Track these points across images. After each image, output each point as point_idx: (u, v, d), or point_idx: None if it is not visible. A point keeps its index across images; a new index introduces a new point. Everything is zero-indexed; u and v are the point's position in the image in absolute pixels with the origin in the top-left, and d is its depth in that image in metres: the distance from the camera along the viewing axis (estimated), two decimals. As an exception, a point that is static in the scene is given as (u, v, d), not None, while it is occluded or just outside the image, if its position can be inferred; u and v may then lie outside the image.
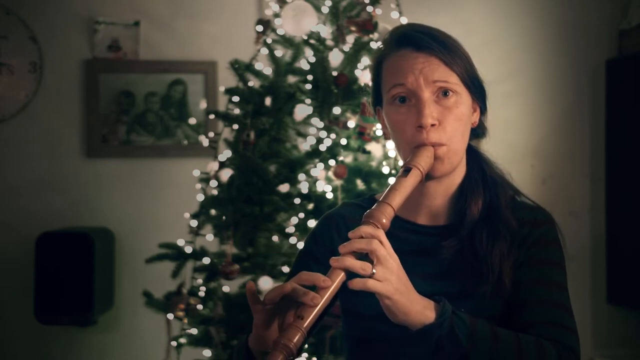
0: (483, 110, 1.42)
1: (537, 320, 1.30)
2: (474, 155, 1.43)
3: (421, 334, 1.21)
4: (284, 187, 2.65)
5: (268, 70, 2.82)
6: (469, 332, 1.21)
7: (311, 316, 1.16)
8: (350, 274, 1.19)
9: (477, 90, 1.38)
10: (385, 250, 1.19)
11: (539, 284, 1.33)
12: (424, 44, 1.32)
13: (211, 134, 2.91)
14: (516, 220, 1.36)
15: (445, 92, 1.32)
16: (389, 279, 1.19)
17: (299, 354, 1.39)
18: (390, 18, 2.89)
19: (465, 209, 1.37)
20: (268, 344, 1.20)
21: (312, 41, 2.77)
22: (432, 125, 1.31)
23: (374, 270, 1.18)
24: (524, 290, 1.33)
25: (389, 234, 1.26)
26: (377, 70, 1.40)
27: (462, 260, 1.34)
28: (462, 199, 1.38)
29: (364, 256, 1.20)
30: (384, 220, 1.23)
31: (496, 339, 1.23)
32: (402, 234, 1.39)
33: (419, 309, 1.21)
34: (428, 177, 1.33)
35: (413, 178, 1.29)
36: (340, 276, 1.18)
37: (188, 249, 2.78)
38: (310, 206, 2.61)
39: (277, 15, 2.80)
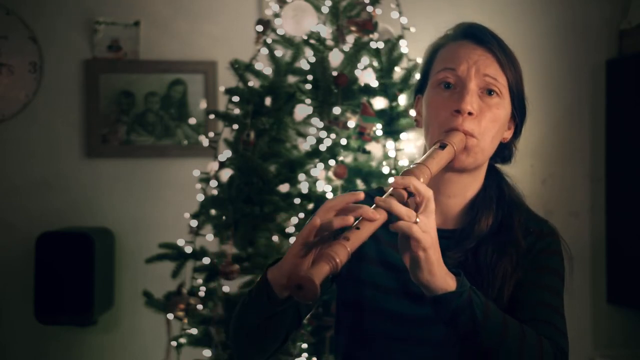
0: (517, 134, 1.44)
1: (530, 318, 1.30)
2: (495, 175, 1.44)
3: (440, 300, 1.19)
4: (284, 187, 2.65)
5: (268, 70, 2.82)
6: (484, 309, 1.20)
7: (357, 239, 1.12)
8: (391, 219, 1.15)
9: (518, 106, 1.40)
10: (432, 204, 1.17)
11: (536, 286, 1.34)
12: (486, 39, 1.35)
13: (211, 134, 2.91)
14: (524, 230, 1.37)
15: (490, 91, 1.34)
16: (430, 231, 1.16)
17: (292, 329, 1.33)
18: (390, 18, 2.89)
19: (474, 222, 1.36)
20: (298, 272, 1.12)
21: (312, 41, 2.77)
22: (470, 114, 1.31)
23: (417, 219, 1.15)
24: (521, 291, 1.33)
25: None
26: (430, 58, 1.41)
27: (464, 272, 1.33)
28: (474, 210, 1.38)
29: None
30: (422, 180, 1.20)
31: (505, 322, 1.22)
32: None
33: (443, 274, 1.18)
34: (448, 166, 1.32)
35: (447, 153, 1.28)
36: (383, 216, 1.15)
37: (188, 249, 2.78)
38: (310, 206, 2.61)
39: (277, 15, 2.80)
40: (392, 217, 1.15)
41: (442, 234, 1.36)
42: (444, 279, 1.18)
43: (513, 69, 1.37)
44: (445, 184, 1.37)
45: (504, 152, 1.44)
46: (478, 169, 1.39)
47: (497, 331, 1.21)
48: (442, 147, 1.28)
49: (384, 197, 1.17)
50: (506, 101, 1.36)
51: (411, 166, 1.23)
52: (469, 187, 1.39)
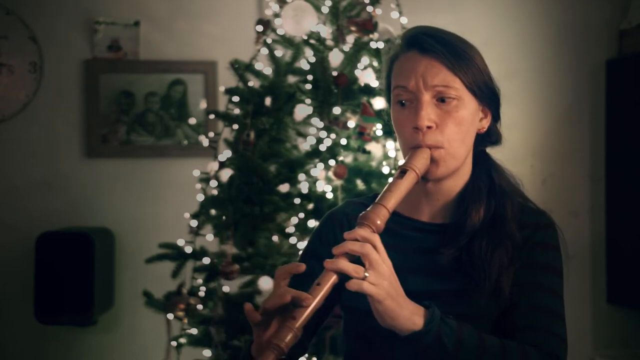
0: (496, 117, 1.42)
1: (525, 325, 1.31)
2: (484, 162, 1.43)
3: (409, 339, 1.22)
4: (284, 187, 2.65)
5: (268, 70, 2.82)
6: (456, 339, 1.23)
7: (303, 316, 1.18)
8: (344, 276, 1.20)
9: (486, 97, 1.37)
10: (377, 255, 1.20)
11: (533, 288, 1.34)
12: (428, 47, 1.33)
13: (211, 134, 2.91)
14: (519, 223, 1.36)
15: (442, 99, 1.33)
16: (381, 283, 1.19)
17: (297, 357, 1.40)
18: (390, 18, 2.89)
19: (465, 217, 1.36)
20: None
21: (312, 41, 2.77)
22: (429, 127, 1.32)
23: (366, 274, 1.19)
24: (517, 293, 1.33)
25: (390, 231, 1.27)
26: (389, 71, 1.41)
27: (460, 267, 1.34)
28: (464, 204, 1.38)
29: (358, 259, 1.21)
30: (379, 222, 1.24)
31: (482, 347, 1.24)
32: (403, 231, 1.40)
33: (407, 315, 1.21)
34: (424, 178, 1.34)
35: (408, 180, 1.30)
36: (333, 278, 1.20)
37: (188, 249, 2.78)
38: (310, 206, 2.62)
39: (277, 15, 2.80)
40: (345, 275, 1.20)
41: (433, 228, 1.39)
42: (409, 320, 1.21)
43: (465, 67, 1.33)
44: (429, 192, 1.39)
45: (490, 137, 1.43)
46: (459, 168, 1.38)
47: (473, 355, 1.23)
48: (402, 173, 1.30)
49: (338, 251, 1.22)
50: (467, 99, 1.34)
51: (368, 209, 1.26)
52: (454, 186, 1.39)
